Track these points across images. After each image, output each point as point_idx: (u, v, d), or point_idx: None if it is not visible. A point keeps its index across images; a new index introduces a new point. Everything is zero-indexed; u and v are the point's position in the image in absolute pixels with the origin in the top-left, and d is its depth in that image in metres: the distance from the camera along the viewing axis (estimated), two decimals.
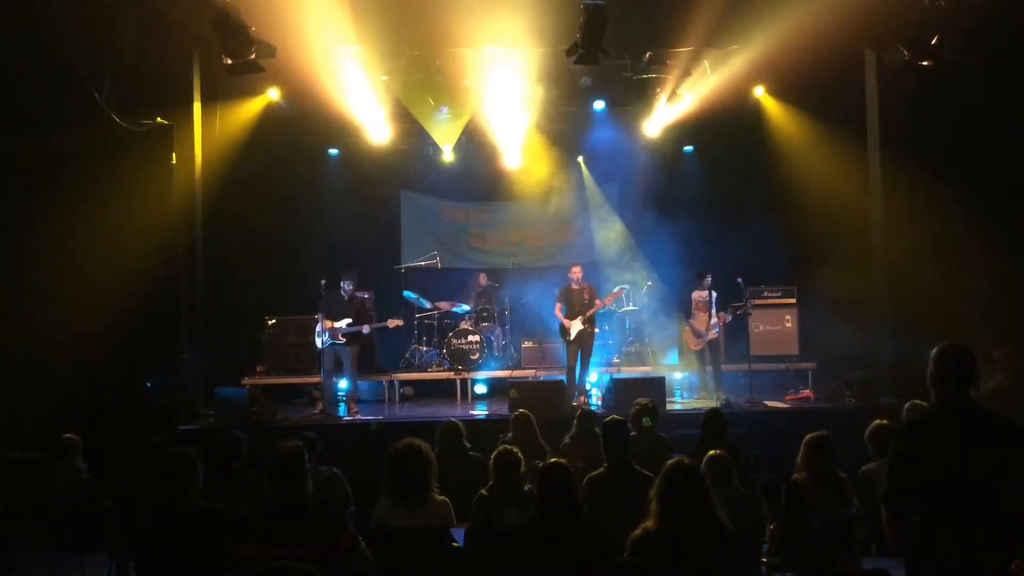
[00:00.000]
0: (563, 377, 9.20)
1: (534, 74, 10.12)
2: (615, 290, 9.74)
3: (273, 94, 10.19)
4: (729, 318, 9.37)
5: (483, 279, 11.27)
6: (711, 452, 4.52)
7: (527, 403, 7.22)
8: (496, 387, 10.15)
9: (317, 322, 8.76)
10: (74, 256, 8.22)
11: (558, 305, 9.20)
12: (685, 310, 10.02)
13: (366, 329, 8.95)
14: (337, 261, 9.80)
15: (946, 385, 3.20)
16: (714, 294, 9.47)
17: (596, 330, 9.34)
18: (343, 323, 8.69)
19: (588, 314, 8.99)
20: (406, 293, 10.89)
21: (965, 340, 3.30)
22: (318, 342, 8.75)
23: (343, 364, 8.78)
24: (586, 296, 9.10)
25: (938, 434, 3.18)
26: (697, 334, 9.62)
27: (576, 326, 8.97)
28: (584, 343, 9.08)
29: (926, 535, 3.10)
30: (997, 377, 7.78)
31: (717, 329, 9.44)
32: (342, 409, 8.82)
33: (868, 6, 7.99)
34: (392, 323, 9.19)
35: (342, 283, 8.82)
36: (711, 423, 5.74)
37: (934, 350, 3.27)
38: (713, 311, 9.43)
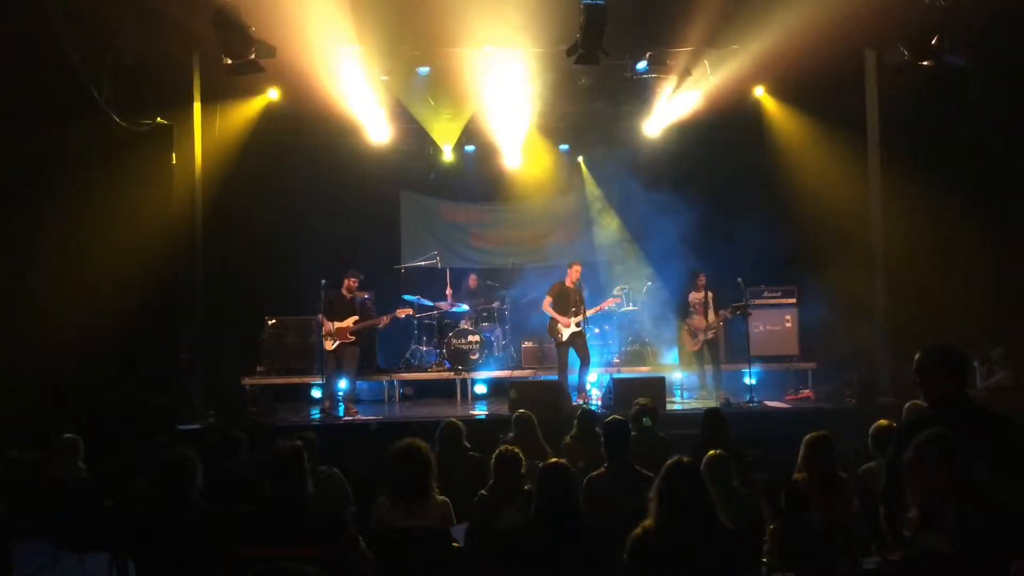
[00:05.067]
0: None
1: (534, 74, 10.12)
2: (609, 299, 9.73)
3: (273, 94, 10.20)
4: (729, 316, 9.39)
5: (473, 281, 11.25)
6: (711, 452, 4.51)
7: (527, 403, 7.23)
8: (496, 387, 10.15)
9: (320, 324, 8.81)
10: (74, 256, 8.22)
11: (548, 299, 9.15)
12: (683, 311, 10.05)
13: (383, 322, 9.01)
14: (337, 261, 9.81)
15: (942, 385, 3.22)
16: (711, 294, 9.49)
17: (585, 332, 9.31)
18: (349, 321, 8.72)
19: (578, 319, 8.96)
20: (405, 296, 10.88)
21: (964, 339, 3.33)
22: (327, 344, 8.77)
23: (344, 364, 8.81)
24: (577, 297, 9.07)
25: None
26: (694, 335, 9.66)
27: (571, 327, 8.96)
28: (576, 343, 9.06)
29: (924, 533, 3.10)
30: (1001, 375, 7.79)
31: (715, 328, 9.47)
32: (340, 409, 8.83)
33: (868, 6, 8.00)
34: (401, 312, 9.27)
35: (345, 282, 8.87)
36: (711, 423, 5.74)
37: (920, 353, 3.30)
38: (710, 311, 9.46)
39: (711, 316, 9.51)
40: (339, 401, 8.87)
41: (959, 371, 3.25)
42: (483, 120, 11.12)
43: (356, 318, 8.79)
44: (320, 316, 8.81)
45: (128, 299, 8.20)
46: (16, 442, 7.29)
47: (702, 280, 9.67)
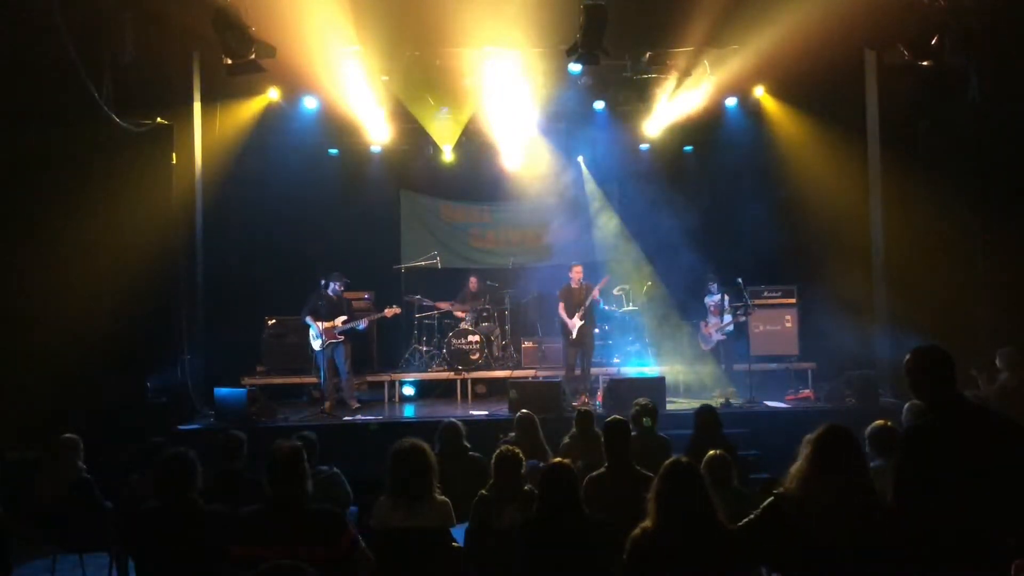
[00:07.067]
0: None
1: (534, 74, 10.12)
2: (603, 280, 9.65)
3: (273, 94, 10.21)
4: (743, 318, 9.45)
5: (473, 283, 11.26)
6: (711, 452, 4.51)
7: (527, 403, 7.23)
8: (496, 387, 10.15)
9: (308, 325, 8.96)
10: (74, 256, 8.21)
11: (561, 304, 9.27)
12: (682, 311, 10.18)
13: (363, 324, 9.05)
14: (337, 261, 9.82)
15: (938, 387, 3.21)
16: (726, 297, 9.56)
17: (596, 329, 9.38)
18: (339, 321, 8.83)
19: (585, 306, 9.03)
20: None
21: (965, 340, 3.32)
22: (315, 345, 8.87)
23: (338, 362, 8.96)
24: (583, 294, 9.19)
25: (944, 438, 3.16)
26: (704, 337, 9.77)
27: (576, 323, 9.02)
28: (584, 343, 9.11)
29: (933, 538, 3.08)
30: (1004, 376, 7.75)
31: (730, 329, 9.56)
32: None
33: (868, 6, 7.99)
34: (389, 312, 9.35)
35: (332, 284, 9.04)
36: (704, 420, 5.74)
37: (910, 356, 3.30)
38: (723, 314, 9.54)
39: (727, 317, 9.61)
40: (338, 400, 8.93)
41: (953, 370, 3.26)
42: (483, 120, 11.12)
43: (345, 318, 8.99)
44: (308, 317, 8.97)
45: (128, 299, 8.19)
46: (16, 442, 7.31)
47: (712, 286, 9.90)
